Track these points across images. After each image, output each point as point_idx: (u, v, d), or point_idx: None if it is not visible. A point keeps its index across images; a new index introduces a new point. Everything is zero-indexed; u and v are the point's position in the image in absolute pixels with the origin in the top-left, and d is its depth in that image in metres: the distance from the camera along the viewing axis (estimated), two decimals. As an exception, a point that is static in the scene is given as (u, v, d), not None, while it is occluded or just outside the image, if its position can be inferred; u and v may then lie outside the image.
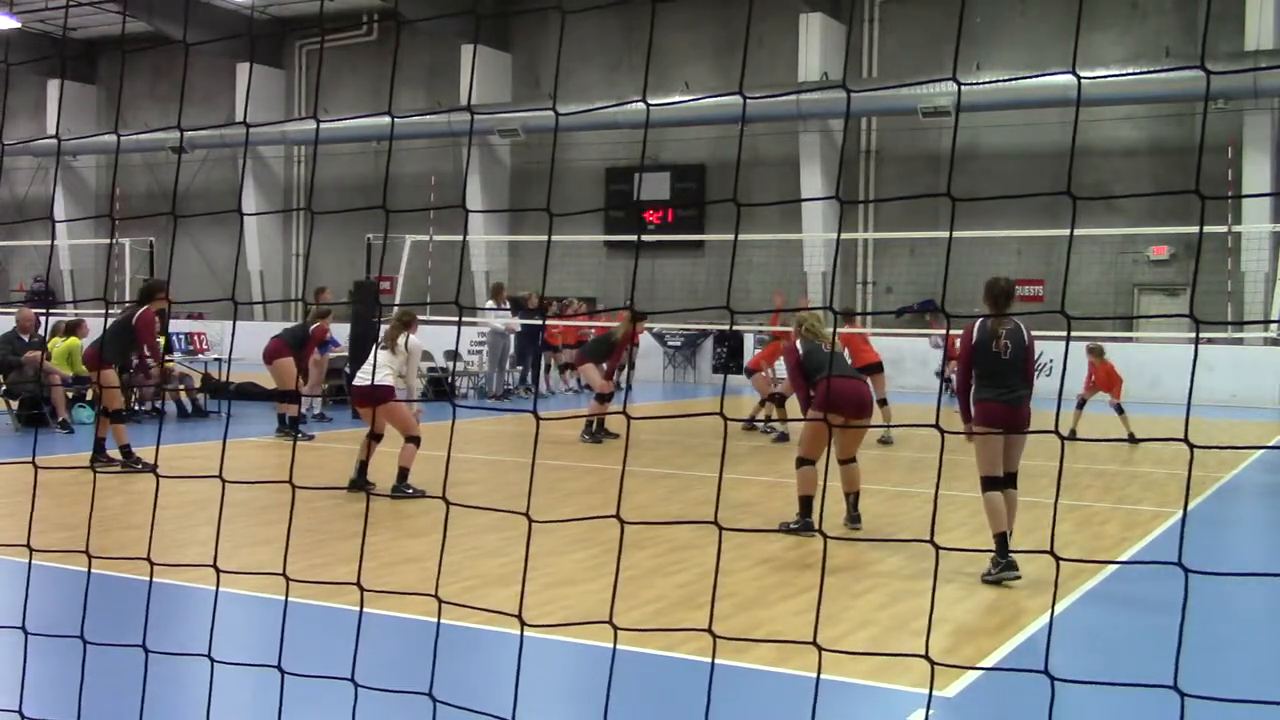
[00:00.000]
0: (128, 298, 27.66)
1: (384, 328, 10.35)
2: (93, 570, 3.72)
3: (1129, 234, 21.84)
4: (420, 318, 11.11)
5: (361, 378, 10.15)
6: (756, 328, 24.89)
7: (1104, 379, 15.14)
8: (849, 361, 10.67)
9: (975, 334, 7.16)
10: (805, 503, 8.47)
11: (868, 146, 26.61)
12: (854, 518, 8.69)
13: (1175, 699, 2.37)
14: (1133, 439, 14.17)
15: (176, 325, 23.04)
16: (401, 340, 10.06)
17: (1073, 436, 14.28)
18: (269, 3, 31.18)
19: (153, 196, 33.62)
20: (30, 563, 3.60)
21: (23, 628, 3.40)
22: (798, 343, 8.72)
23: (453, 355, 20.44)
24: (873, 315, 25.89)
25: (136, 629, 3.45)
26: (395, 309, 12.21)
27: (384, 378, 9.90)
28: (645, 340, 25.22)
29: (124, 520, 8.34)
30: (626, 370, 19.74)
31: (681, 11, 26.70)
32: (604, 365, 15.02)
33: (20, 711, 3.38)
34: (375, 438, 9.97)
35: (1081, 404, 15.37)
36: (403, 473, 9.67)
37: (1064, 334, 15.87)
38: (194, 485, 9.32)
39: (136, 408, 15.73)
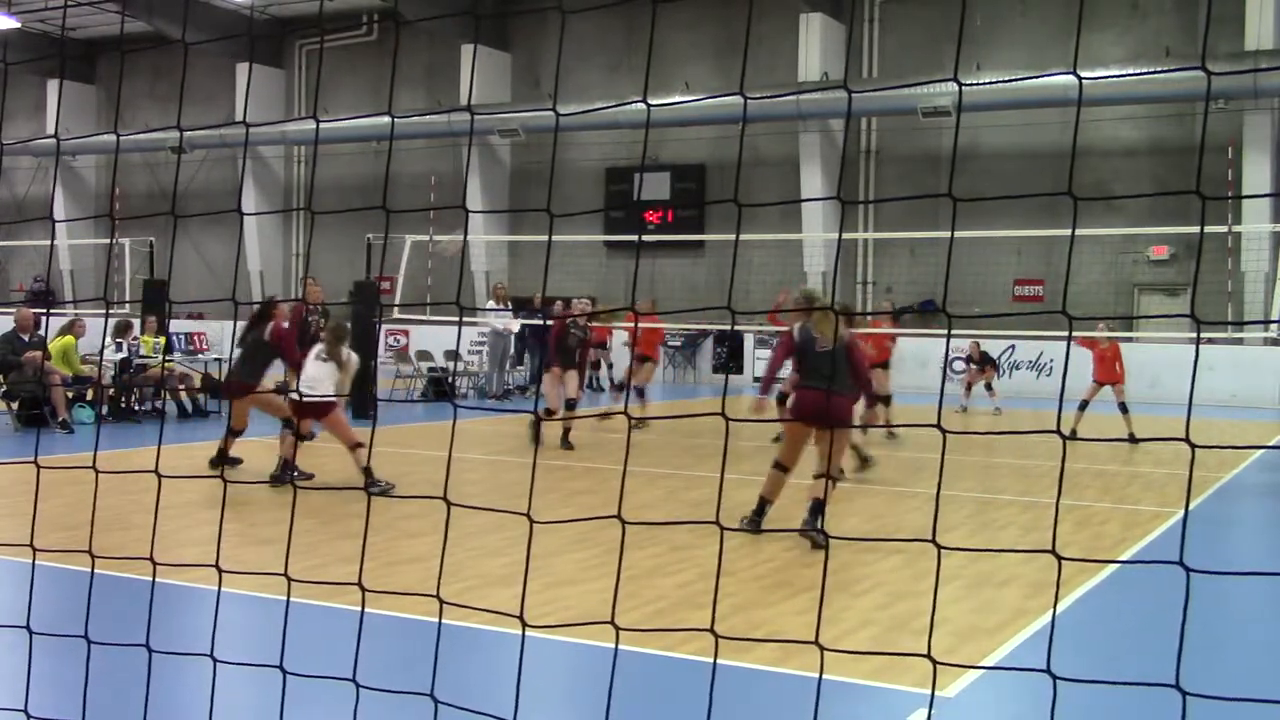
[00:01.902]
0: (128, 297, 27.69)
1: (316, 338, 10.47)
2: (95, 570, 3.72)
3: (1129, 234, 21.85)
4: (420, 318, 11.18)
5: (305, 390, 9.93)
6: (757, 328, 24.92)
7: (1107, 367, 15.12)
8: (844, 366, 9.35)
9: (797, 336, 8.28)
10: (760, 503, 8.30)
11: (868, 146, 26.61)
12: (812, 527, 7.88)
13: (1177, 698, 2.37)
14: (1133, 439, 14.17)
15: (176, 325, 23.05)
16: (344, 354, 10.23)
17: (1073, 436, 14.28)
18: (269, 3, 31.18)
19: (153, 196, 33.63)
20: (34, 563, 3.61)
21: (27, 627, 3.41)
22: (797, 328, 8.46)
23: (453, 355, 20.46)
24: (872, 315, 25.89)
25: (139, 628, 3.46)
26: (330, 322, 11.70)
27: (327, 391, 10.02)
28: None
29: (125, 520, 8.35)
30: (626, 370, 19.25)
31: (681, 11, 26.70)
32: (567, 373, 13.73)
33: (26, 710, 3.39)
34: (301, 437, 10.19)
35: (1084, 405, 15.36)
36: (367, 471, 9.46)
37: (1065, 334, 15.90)
38: (195, 485, 9.32)
39: (136, 408, 15.74)
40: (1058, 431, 2.68)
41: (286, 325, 10.96)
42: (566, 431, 13.59)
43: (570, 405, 13.66)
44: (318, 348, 10.38)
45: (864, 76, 26.03)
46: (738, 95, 3.97)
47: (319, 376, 10.09)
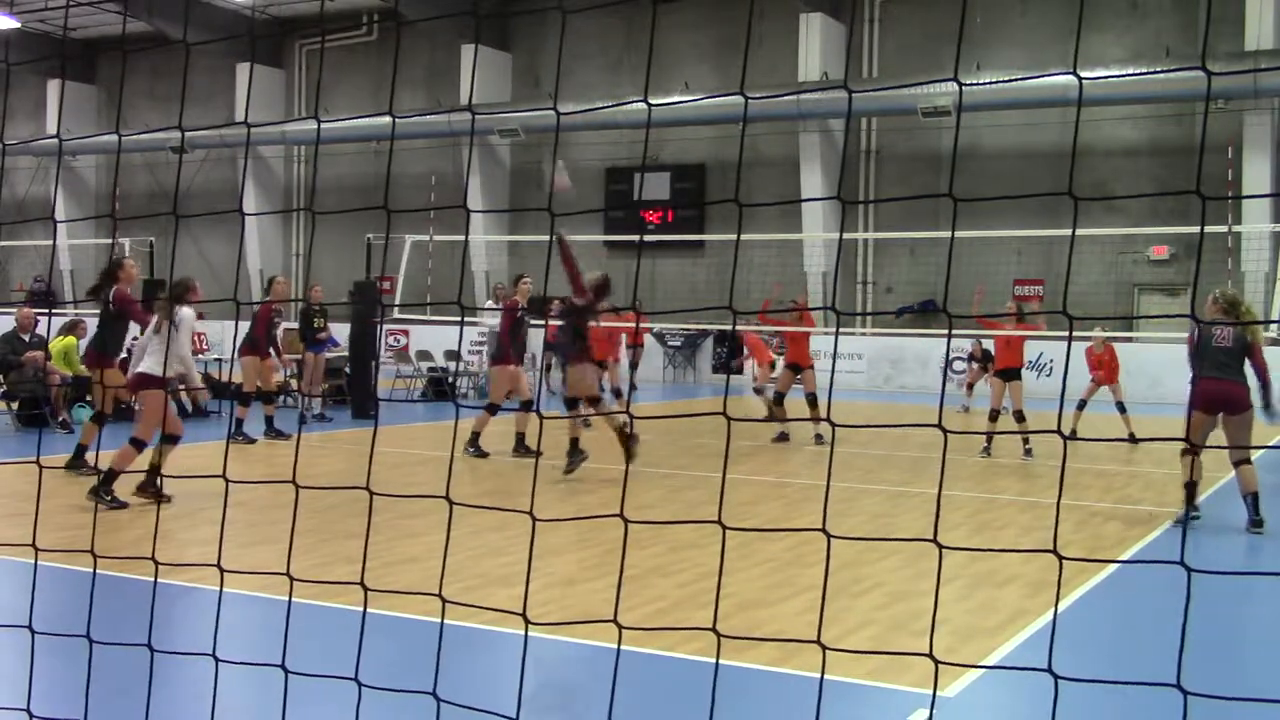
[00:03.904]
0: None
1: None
2: (97, 570, 3.73)
3: (1129, 234, 21.85)
4: (420, 318, 11.09)
5: (144, 367, 9.08)
6: (756, 328, 24.89)
7: (1105, 368, 15.14)
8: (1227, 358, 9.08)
9: (1197, 332, 8.87)
10: (1190, 488, 8.75)
11: (868, 146, 26.61)
12: (1253, 521, 8.77)
13: (1178, 698, 2.38)
14: (1133, 439, 14.17)
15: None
16: (174, 318, 9.07)
17: (1073, 436, 14.28)
18: (269, 3, 31.18)
19: (153, 196, 33.64)
20: (36, 563, 3.61)
21: (29, 627, 3.42)
22: (1196, 326, 9.12)
23: (453, 355, 20.47)
24: (873, 315, 25.90)
25: (141, 628, 3.46)
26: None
27: (151, 365, 8.94)
28: (646, 340, 25.14)
29: (126, 520, 8.35)
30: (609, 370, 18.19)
31: (681, 11, 26.70)
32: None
33: (28, 710, 3.39)
34: (167, 439, 9.13)
35: (1082, 405, 15.36)
36: (111, 476, 8.65)
37: (1064, 334, 15.91)
38: (195, 485, 9.32)
39: (137, 408, 15.74)
40: (1058, 431, 2.68)
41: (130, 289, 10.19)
42: (521, 437, 12.79)
43: (527, 406, 12.91)
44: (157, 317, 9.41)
45: (864, 76, 26.03)
46: (738, 95, 3.97)
47: (149, 349, 9.06)
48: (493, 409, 12.53)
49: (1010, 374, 13.67)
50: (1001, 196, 20.01)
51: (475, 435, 12.60)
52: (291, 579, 3.27)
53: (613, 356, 17.50)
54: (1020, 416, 13.65)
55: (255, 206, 31.66)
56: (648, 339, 25.67)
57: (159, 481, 8.79)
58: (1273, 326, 20.61)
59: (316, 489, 3.31)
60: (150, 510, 8.55)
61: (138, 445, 8.91)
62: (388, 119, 27.19)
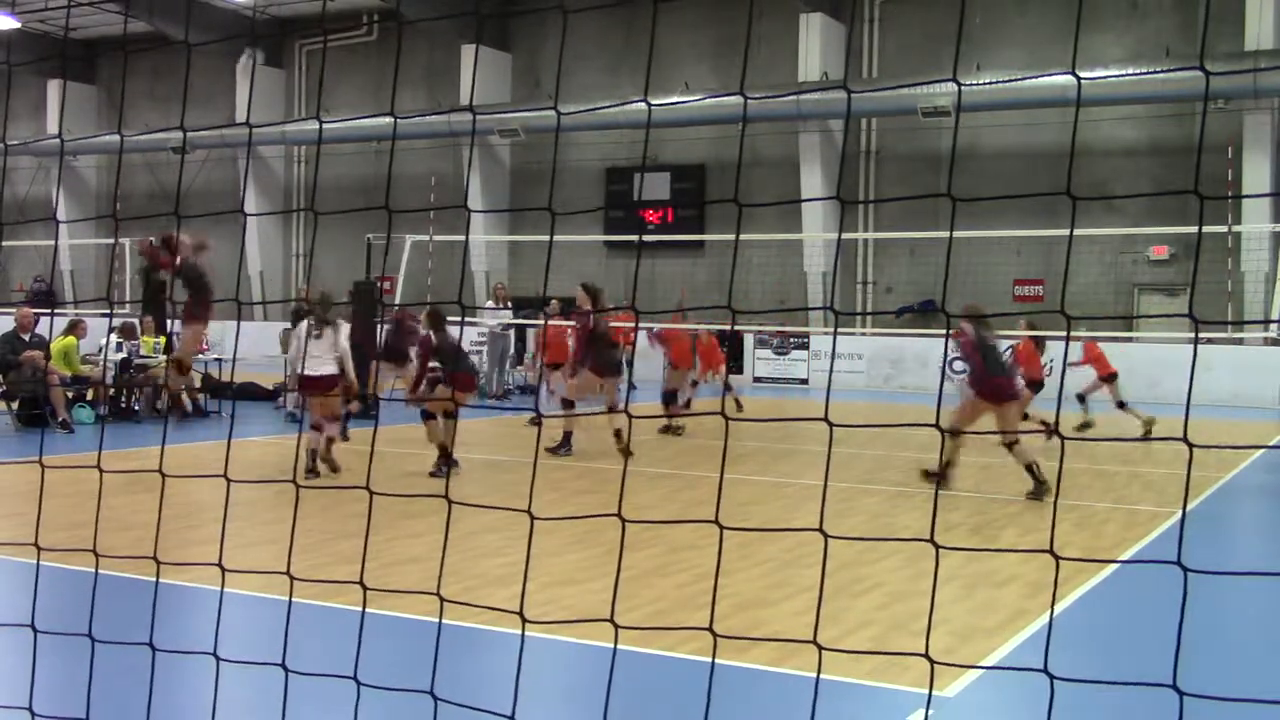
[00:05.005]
0: (128, 298, 27.70)
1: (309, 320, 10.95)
2: (99, 570, 3.74)
3: (1129, 234, 21.86)
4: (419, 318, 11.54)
5: (312, 369, 10.65)
6: (757, 328, 24.94)
7: (1105, 364, 15.25)
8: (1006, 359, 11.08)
9: (975, 337, 10.22)
10: (1034, 472, 9.94)
11: (868, 146, 26.62)
12: (1038, 485, 9.89)
13: (1174, 698, 2.39)
14: (1146, 437, 14.15)
15: (177, 325, 23.03)
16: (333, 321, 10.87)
17: (1073, 436, 14.30)
18: (269, 3, 31.19)
19: (153, 197, 33.64)
20: (38, 562, 3.62)
21: (32, 626, 3.43)
22: (972, 331, 10.32)
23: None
24: (873, 315, 25.92)
25: (143, 627, 3.47)
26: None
27: (329, 365, 10.71)
28: (643, 340, 25.09)
29: (125, 520, 8.36)
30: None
31: (681, 11, 26.71)
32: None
33: (30, 709, 3.40)
34: (316, 428, 10.88)
35: (1082, 399, 15.39)
36: (444, 453, 10.74)
37: (1064, 334, 15.91)
38: (196, 485, 9.33)
39: (137, 408, 15.76)
40: (1056, 431, 2.69)
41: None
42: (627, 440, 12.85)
43: (569, 405, 13.03)
44: (308, 322, 10.81)
45: (864, 76, 26.03)
46: (738, 95, 3.99)
47: (319, 352, 10.68)
48: (567, 405, 13.04)
49: (1034, 386, 14.42)
50: (1001, 196, 20.02)
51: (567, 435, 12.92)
52: (292, 578, 3.28)
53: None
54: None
55: (255, 206, 31.66)
56: (647, 339, 25.62)
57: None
58: (1272, 326, 20.63)
59: (316, 488, 3.32)
60: (151, 510, 8.55)
61: (428, 417, 11.00)
62: (388, 119, 27.21)
